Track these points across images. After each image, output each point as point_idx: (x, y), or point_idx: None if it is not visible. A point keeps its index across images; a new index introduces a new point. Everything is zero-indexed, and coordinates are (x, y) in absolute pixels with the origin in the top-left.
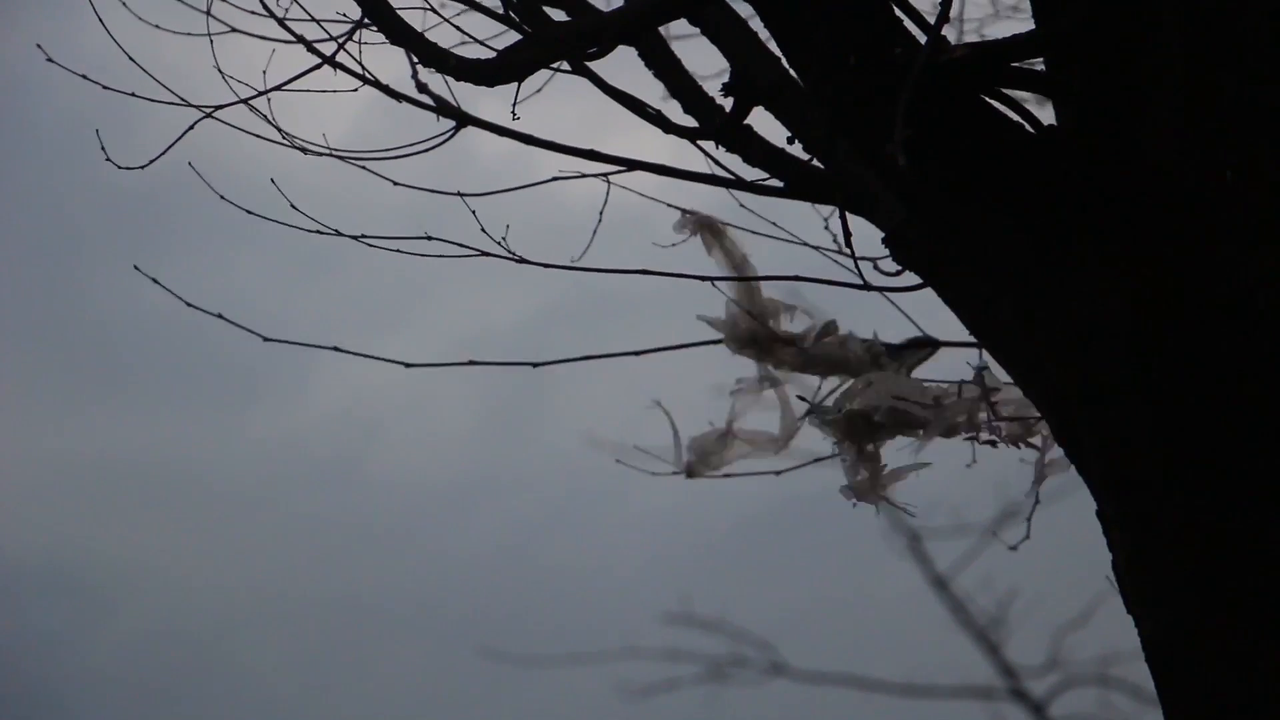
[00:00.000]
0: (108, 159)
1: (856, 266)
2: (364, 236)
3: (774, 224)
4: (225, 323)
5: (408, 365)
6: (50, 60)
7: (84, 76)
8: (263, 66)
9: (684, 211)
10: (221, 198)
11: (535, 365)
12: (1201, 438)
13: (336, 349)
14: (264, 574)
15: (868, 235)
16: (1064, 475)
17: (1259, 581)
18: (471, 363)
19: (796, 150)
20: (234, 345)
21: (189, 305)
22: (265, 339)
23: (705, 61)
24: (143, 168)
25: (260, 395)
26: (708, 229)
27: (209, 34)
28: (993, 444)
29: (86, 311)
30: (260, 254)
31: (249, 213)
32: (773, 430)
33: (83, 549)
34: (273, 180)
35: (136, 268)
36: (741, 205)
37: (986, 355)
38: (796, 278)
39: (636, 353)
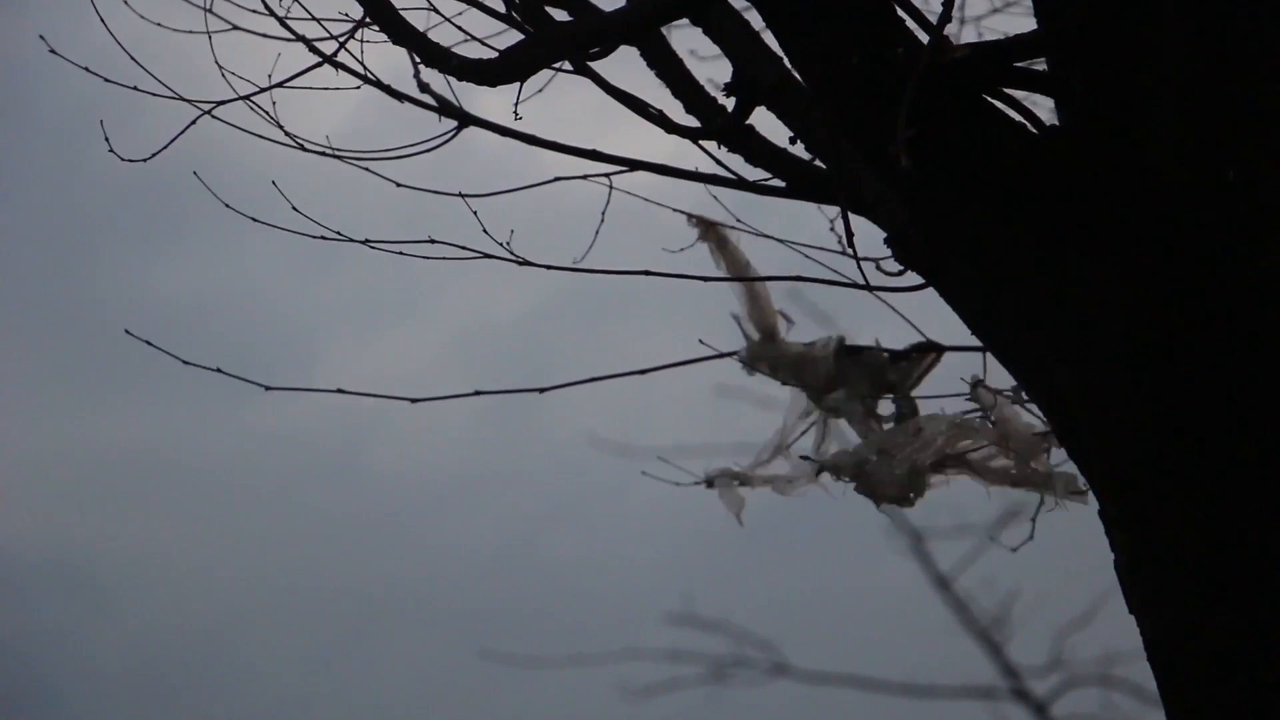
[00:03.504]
0: (110, 150)
1: (859, 267)
2: (368, 241)
3: (769, 235)
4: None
5: (413, 401)
6: (53, 52)
7: (86, 69)
8: (264, 64)
9: (689, 215)
10: (226, 205)
11: (541, 391)
12: (1202, 438)
13: (340, 390)
14: (266, 568)
15: (869, 235)
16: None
17: (1259, 581)
18: (478, 393)
19: (799, 150)
20: (234, 338)
21: (185, 363)
22: (267, 388)
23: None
24: (144, 161)
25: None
26: (713, 233)
27: (208, 31)
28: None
29: (88, 303)
30: (263, 246)
31: (254, 220)
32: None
33: (85, 543)
34: (274, 183)
35: (128, 331)
36: (737, 219)
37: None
38: (798, 278)
39: (641, 371)
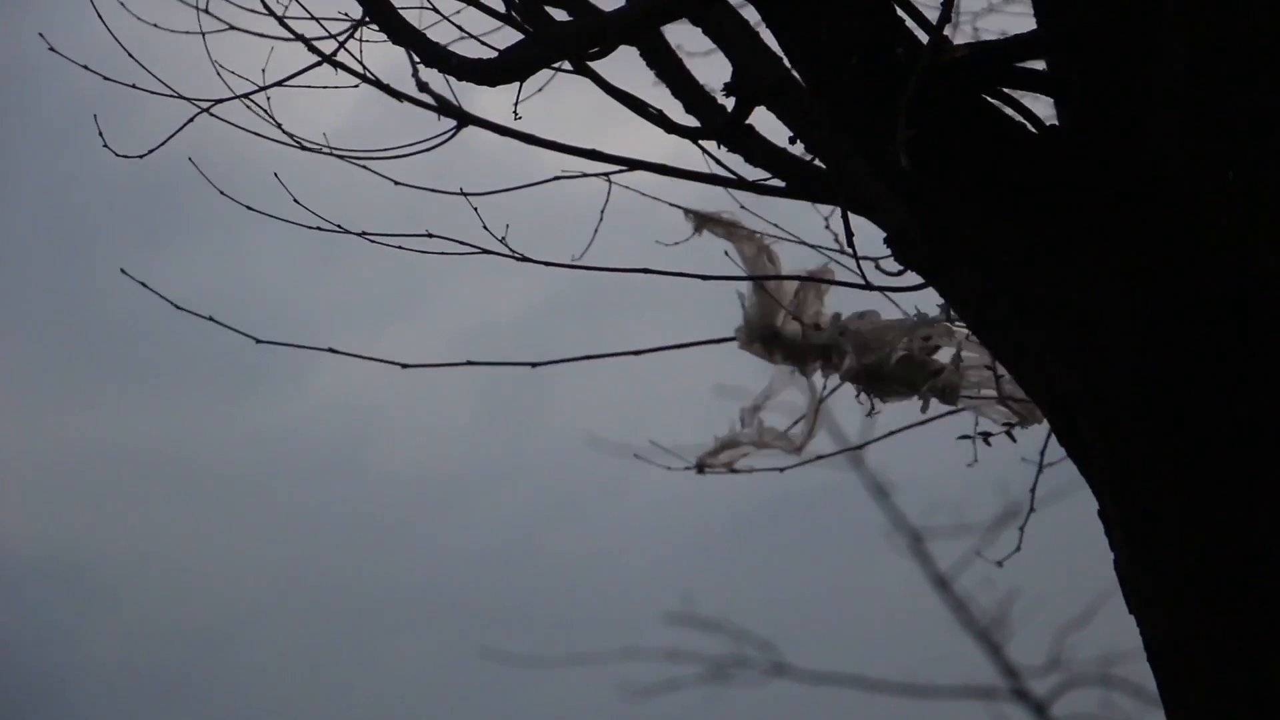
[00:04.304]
0: (105, 145)
1: (858, 266)
2: (366, 234)
3: (776, 225)
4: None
5: (404, 366)
6: (52, 49)
7: (85, 67)
8: (264, 63)
9: (685, 210)
10: (222, 193)
11: (534, 365)
12: (1202, 438)
13: (331, 350)
14: (265, 565)
15: (869, 235)
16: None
17: (1259, 582)
18: (470, 363)
19: (798, 150)
20: (234, 335)
21: (177, 308)
22: (258, 341)
23: (708, 62)
24: (141, 157)
25: (260, 386)
26: (720, 226)
27: (202, 31)
28: (986, 437)
29: (86, 299)
30: (261, 244)
31: (250, 209)
32: (791, 429)
33: (84, 540)
34: (276, 175)
35: (123, 270)
36: (742, 206)
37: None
38: (798, 277)
39: (636, 352)
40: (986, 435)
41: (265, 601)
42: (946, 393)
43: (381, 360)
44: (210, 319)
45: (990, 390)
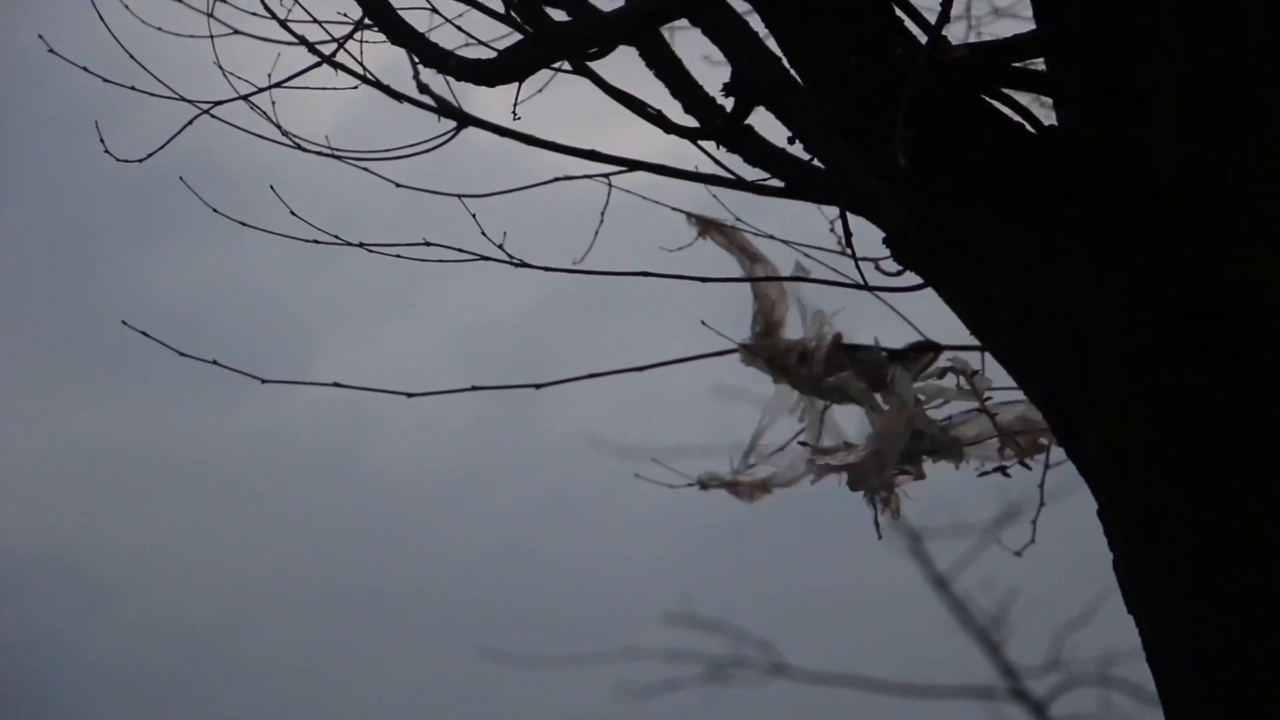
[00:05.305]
0: (105, 150)
1: (857, 267)
2: (364, 244)
3: (771, 236)
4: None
5: (410, 395)
6: (52, 51)
7: (84, 69)
8: (264, 65)
9: (688, 214)
10: (214, 210)
11: (538, 387)
12: (1201, 437)
13: (336, 384)
14: (263, 564)
15: (868, 235)
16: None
17: (1259, 581)
18: (474, 388)
19: (797, 150)
20: (233, 334)
21: (181, 354)
22: (264, 381)
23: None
24: (140, 161)
25: (259, 385)
26: (717, 230)
27: (211, 35)
28: (1003, 470)
29: (87, 300)
30: (261, 243)
31: (243, 224)
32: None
33: (83, 540)
34: (272, 187)
35: (125, 323)
36: (737, 218)
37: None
38: (797, 278)
39: (639, 368)
40: (1003, 469)
41: (264, 600)
42: (951, 452)
43: (386, 391)
44: (214, 362)
45: (990, 433)
